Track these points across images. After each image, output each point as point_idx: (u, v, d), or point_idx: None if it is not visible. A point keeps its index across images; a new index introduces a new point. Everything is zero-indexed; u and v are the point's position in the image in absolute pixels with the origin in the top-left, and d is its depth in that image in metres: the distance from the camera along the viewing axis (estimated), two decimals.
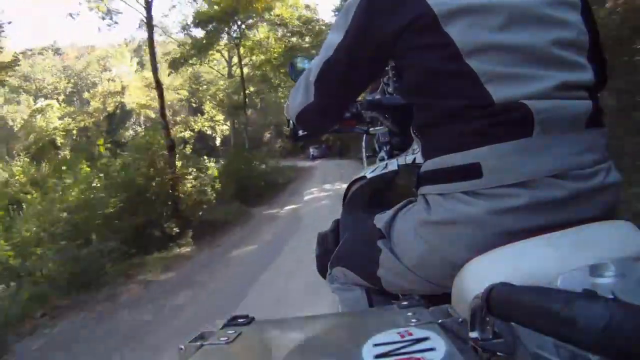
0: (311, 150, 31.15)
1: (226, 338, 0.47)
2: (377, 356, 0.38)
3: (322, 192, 11.27)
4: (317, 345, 0.47)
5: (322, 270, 1.05)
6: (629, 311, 0.30)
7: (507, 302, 0.39)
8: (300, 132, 1.10)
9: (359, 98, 0.99)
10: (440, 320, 0.44)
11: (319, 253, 1.16)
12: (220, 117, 20.77)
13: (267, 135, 36.44)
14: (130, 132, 23.32)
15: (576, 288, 0.39)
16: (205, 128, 23.20)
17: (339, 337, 0.50)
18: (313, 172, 18.83)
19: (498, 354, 0.41)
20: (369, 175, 1.12)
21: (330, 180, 13.52)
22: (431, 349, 0.38)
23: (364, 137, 1.33)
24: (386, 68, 1.03)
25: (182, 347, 0.47)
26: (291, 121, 1.05)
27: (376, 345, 0.39)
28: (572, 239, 0.55)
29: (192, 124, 22.93)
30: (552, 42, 0.60)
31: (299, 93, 0.80)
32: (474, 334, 0.41)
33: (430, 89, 0.63)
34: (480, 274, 0.55)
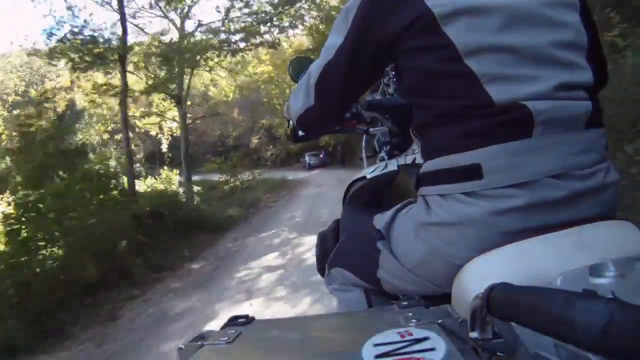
0: (307, 158, 25.36)
1: (226, 338, 0.47)
2: (377, 356, 0.38)
3: (290, 280, 3.81)
4: (317, 345, 0.47)
5: (323, 271, 1.05)
6: (629, 311, 0.30)
7: (507, 302, 0.39)
8: (300, 133, 1.10)
9: (359, 98, 0.99)
10: (440, 320, 0.44)
11: (320, 254, 1.16)
12: (174, 110, 12.53)
13: (255, 140, 31.72)
14: (79, 136, 17.06)
15: (576, 288, 0.39)
16: (149, 127, 15.76)
17: (339, 337, 0.50)
18: (300, 193, 11.48)
19: (498, 354, 0.41)
20: (369, 176, 1.12)
21: (325, 213, 6.57)
22: (431, 349, 0.38)
23: (364, 137, 1.33)
24: (386, 69, 1.03)
25: (182, 346, 0.47)
26: (291, 122, 1.05)
27: (376, 345, 0.39)
28: (572, 239, 0.55)
29: (136, 122, 15.27)
30: (551, 42, 0.60)
31: (299, 96, 0.80)
32: (474, 334, 0.41)
33: (430, 90, 0.63)
34: (480, 274, 0.55)
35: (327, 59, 0.72)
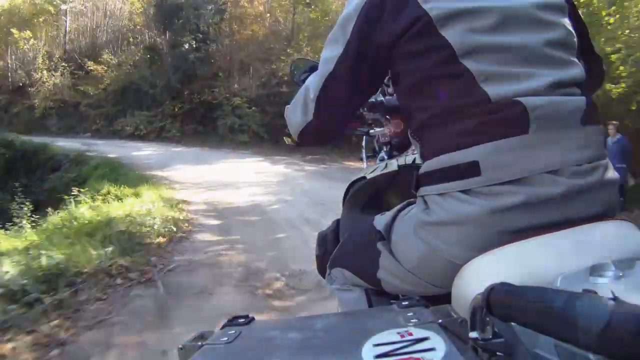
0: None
1: (226, 338, 0.47)
2: (377, 356, 0.38)
3: None
4: (317, 345, 0.47)
5: (323, 271, 1.05)
6: (629, 311, 0.30)
7: (507, 302, 0.39)
8: None
9: None
10: (440, 320, 0.44)
11: (320, 253, 1.16)
12: None
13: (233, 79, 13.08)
14: None
15: (576, 288, 0.39)
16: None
17: (339, 337, 0.50)
18: None
19: (498, 354, 0.41)
20: (368, 176, 1.12)
21: None
22: (431, 349, 0.38)
23: (364, 138, 1.33)
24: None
25: (182, 346, 0.47)
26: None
27: (376, 345, 0.39)
28: (572, 238, 0.55)
29: None
30: (544, 42, 0.62)
31: (297, 110, 0.78)
32: (474, 334, 0.41)
33: (428, 91, 0.64)
34: (480, 274, 0.55)
35: (327, 72, 0.70)
